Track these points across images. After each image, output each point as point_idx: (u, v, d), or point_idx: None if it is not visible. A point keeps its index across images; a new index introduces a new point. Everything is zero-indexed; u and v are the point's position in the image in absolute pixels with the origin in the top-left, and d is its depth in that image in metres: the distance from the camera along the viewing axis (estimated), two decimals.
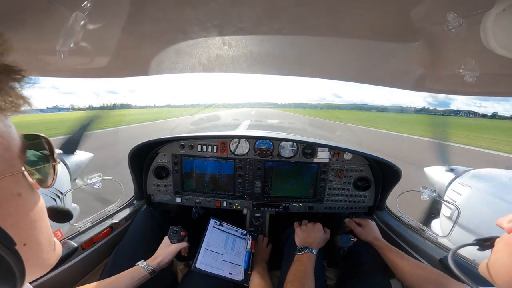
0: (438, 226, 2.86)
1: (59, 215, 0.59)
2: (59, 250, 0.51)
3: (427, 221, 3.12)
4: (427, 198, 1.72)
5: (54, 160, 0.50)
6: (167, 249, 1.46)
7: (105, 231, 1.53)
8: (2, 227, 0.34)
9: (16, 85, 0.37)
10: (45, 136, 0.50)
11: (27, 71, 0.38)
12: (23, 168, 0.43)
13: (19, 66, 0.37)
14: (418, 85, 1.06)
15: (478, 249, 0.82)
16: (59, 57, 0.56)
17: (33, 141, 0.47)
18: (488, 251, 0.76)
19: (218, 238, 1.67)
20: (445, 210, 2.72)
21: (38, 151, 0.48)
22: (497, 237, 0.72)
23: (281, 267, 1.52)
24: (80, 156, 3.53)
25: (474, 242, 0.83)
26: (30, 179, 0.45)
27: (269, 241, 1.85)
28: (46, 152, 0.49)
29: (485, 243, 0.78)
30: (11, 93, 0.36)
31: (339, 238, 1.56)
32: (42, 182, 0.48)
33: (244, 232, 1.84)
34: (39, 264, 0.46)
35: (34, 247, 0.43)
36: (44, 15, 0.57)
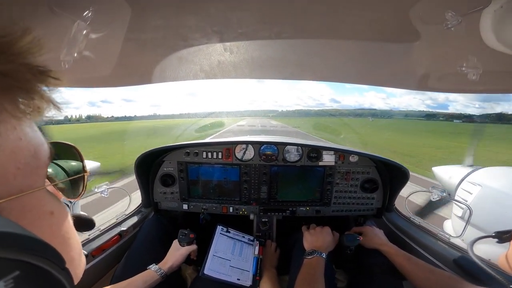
0: (450, 226, 2.80)
1: (83, 223, 0.56)
2: (84, 261, 0.48)
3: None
4: (437, 198, 1.69)
5: (85, 170, 0.48)
6: (177, 252, 1.47)
7: (114, 238, 1.54)
8: (50, 244, 0.29)
9: (43, 87, 0.33)
10: (74, 145, 0.48)
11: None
12: (49, 181, 0.39)
13: (48, 67, 0.33)
14: (421, 85, 1.05)
15: (497, 242, 0.83)
16: (62, 67, 0.57)
17: (61, 149, 0.45)
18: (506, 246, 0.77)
19: (225, 245, 1.67)
20: (456, 210, 2.67)
21: (68, 160, 0.46)
22: None
23: (289, 272, 1.51)
24: (87, 165, 3.57)
25: (494, 234, 0.84)
26: (55, 190, 0.42)
27: (277, 246, 1.84)
28: (77, 161, 0.47)
29: (504, 236, 0.79)
30: (39, 96, 0.33)
31: (345, 237, 1.55)
32: (69, 194, 0.45)
33: (252, 238, 1.84)
34: None
35: (68, 264, 0.38)
36: (46, 24, 0.58)
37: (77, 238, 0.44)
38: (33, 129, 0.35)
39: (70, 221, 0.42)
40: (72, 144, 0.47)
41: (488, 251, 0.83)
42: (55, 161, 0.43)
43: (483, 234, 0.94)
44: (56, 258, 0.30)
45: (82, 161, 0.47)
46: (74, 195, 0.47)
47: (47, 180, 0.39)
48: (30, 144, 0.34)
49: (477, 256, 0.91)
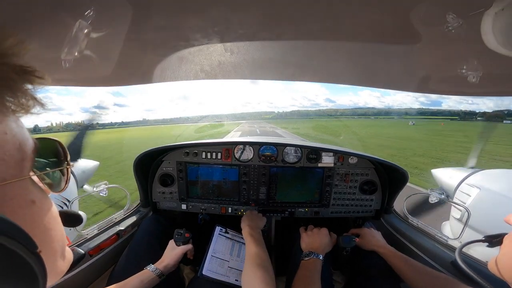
0: (448, 228, 2.81)
1: (70, 219, 0.57)
2: (70, 257, 0.50)
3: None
4: (436, 201, 1.70)
5: (68, 163, 0.50)
6: (172, 251, 1.47)
7: (112, 238, 1.54)
8: (24, 230, 0.31)
9: (29, 86, 0.36)
10: (58, 139, 0.49)
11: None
12: (34, 172, 0.41)
13: (33, 67, 0.36)
14: (421, 87, 1.05)
15: (487, 246, 0.83)
16: (63, 66, 0.57)
17: (45, 144, 0.46)
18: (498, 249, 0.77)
19: (224, 245, 1.66)
20: (454, 212, 2.68)
21: (51, 154, 0.48)
22: (506, 234, 0.73)
23: (287, 273, 1.51)
24: (86, 163, 3.58)
25: (483, 238, 0.84)
26: (41, 184, 0.44)
27: (258, 211, 1.86)
28: (60, 155, 0.49)
29: (494, 240, 0.79)
30: (24, 94, 0.35)
31: (341, 238, 1.55)
32: (54, 187, 0.47)
33: None
34: (53, 271, 0.44)
35: (49, 254, 0.41)
36: (47, 24, 0.58)
37: (62, 231, 0.46)
38: (18, 124, 0.37)
39: (53, 212, 0.44)
40: (56, 138, 0.49)
41: (487, 252, 0.83)
42: (39, 155, 0.44)
43: (481, 237, 0.94)
44: (26, 241, 0.31)
45: (66, 154, 0.49)
46: (59, 188, 0.48)
47: (32, 172, 0.41)
48: (15, 138, 0.36)
49: (470, 266, 0.91)
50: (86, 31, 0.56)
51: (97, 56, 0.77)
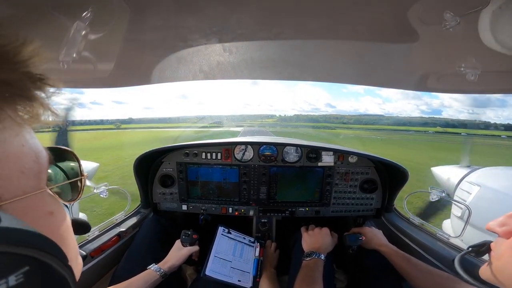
0: (449, 227, 2.81)
1: (79, 227, 0.56)
2: (81, 263, 0.49)
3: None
4: (436, 199, 1.69)
5: (82, 174, 0.49)
6: (178, 252, 1.48)
7: (113, 239, 1.54)
8: (55, 242, 0.32)
9: (41, 94, 0.34)
10: (71, 150, 0.49)
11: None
12: (50, 184, 0.41)
13: (46, 75, 0.35)
14: (420, 85, 1.05)
15: (475, 256, 0.79)
16: (61, 67, 0.57)
17: (57, 154, 0.46)
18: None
19: (226, 246, 1.67)
20: (455, 210, 2.68)
21: (66, 165, 0.48)
22: (491, 241, 0.69)
23: (289, 272, 1.51)
24: (86, 165, 3.59)
25: (469, 249, 0.80)
26: (55, 194, 0.43)
27: (277, 246, 1.84)
28: (74, 165, 0.49)
29: (481, 249, 0.74)
30: (38, 102, 0.34)
31: (347, 237, 1.55)
32: (66, 197, 0.47)
33: (252, 239, 1.84)
34: None
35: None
36: (45, 25, 0.58)
37: (74, 239, 0.46)
38: (31, 135, 0.36)
39: (68, 222, 0.44)
40: (68, 148, 0.49)
41: None
42: (53, 165, 0.44)
43: (482, 233, 0.93)
44: (61, 256, 0.32)
45: (79, 164, 0.49)
46: (71, 198, 0.48)
47: (47, 183, 0.40)
48: (31, 150, 0.35)
49: (471, 265, 0.88)
50: (84, 32, 0.56)
51: (95, 57, 0.77)
